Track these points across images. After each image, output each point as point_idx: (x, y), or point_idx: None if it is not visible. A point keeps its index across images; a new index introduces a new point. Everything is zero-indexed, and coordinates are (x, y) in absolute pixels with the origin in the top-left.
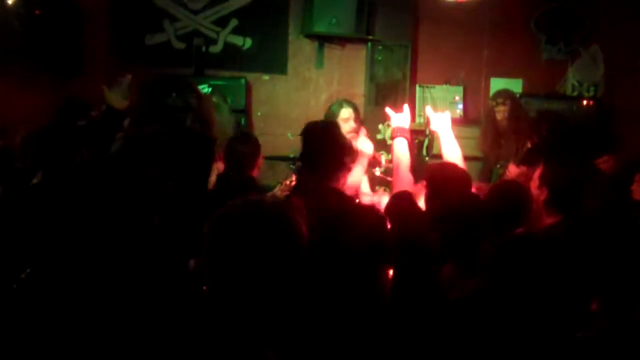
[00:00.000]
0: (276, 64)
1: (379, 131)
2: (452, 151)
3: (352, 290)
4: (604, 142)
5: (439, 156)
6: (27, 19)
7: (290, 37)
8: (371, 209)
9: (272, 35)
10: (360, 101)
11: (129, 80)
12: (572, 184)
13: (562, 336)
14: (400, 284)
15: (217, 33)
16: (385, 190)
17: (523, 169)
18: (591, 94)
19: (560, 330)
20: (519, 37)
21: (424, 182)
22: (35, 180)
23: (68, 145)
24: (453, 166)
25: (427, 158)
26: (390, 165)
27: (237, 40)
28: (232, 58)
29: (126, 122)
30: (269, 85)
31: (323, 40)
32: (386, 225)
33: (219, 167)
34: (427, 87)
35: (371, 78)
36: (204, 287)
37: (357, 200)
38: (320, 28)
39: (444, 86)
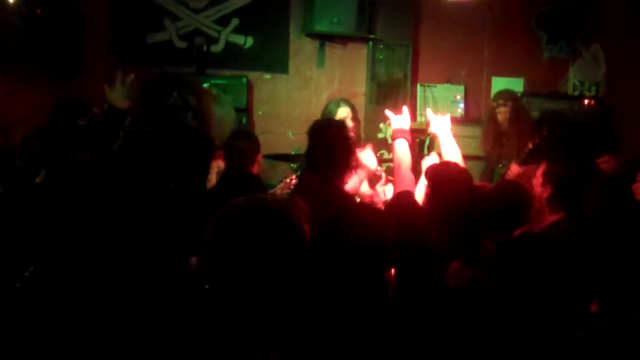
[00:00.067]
0: (277, 63)
1: (380, 130)
2: (451, 153)
3: (354, 289)
4: (605, 142)
5: (439, 156)
6: (27, 19)
7: (292, 36)
8: (374, 208)
9: (273, 35)
10: (361, 100)
11: (132, 79)
12: (575, 180)
13: (562, 336)
14: (402, 284)
15: (219, 32)
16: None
17: (525, 168)
18: (592, 93)
19: (561, 330)
20: (520, 36)
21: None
22: (38, 179)
23: (70, 144)
24: (453, 165)
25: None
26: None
27: (239, 39)
28: (233, 57)
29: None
30: (270, 84)
31: (324, 39)
32: (389, 225)
33: (219, 164)
34: (428, 86)
35: (372, 77)
36: (206, 286)
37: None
38: (321, 27)
39: (445, 85)
